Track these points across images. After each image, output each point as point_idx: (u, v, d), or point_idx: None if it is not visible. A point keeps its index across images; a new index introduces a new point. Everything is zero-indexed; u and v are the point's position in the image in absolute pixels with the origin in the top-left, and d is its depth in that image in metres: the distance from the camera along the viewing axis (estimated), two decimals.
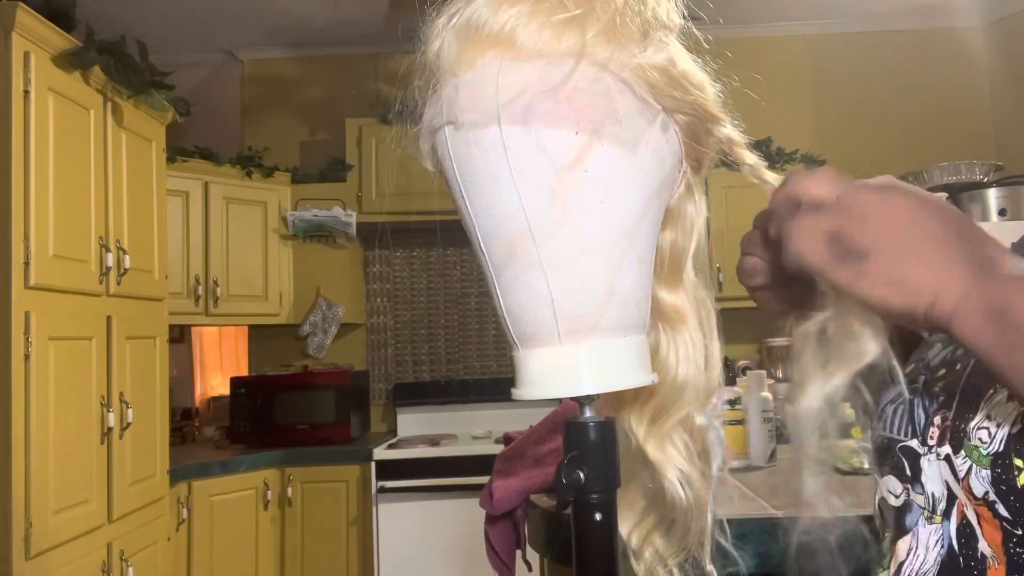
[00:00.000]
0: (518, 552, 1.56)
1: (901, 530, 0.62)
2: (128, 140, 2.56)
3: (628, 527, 0.61)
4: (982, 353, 0.43)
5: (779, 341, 3.62)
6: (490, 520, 1.56)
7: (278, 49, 4.02)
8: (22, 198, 2.04)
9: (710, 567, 0.59)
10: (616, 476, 0.54)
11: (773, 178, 0.55)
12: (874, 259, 0.44)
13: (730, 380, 1.62)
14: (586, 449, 0.53)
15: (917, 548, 0.60)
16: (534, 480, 1.45)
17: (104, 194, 2.42)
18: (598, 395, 0.53)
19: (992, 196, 3.04)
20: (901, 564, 0.61)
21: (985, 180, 3.17)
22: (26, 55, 2.07)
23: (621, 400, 0.59)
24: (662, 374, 0.57)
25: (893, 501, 0.63)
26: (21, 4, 2.04)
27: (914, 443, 0.61)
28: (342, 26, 3.77)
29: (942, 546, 0.58)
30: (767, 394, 1.64)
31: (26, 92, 2.06)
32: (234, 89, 4.08)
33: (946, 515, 0.58)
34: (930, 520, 0.59)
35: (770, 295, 0.56)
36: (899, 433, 0.63)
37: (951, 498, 0.57)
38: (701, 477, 0.58)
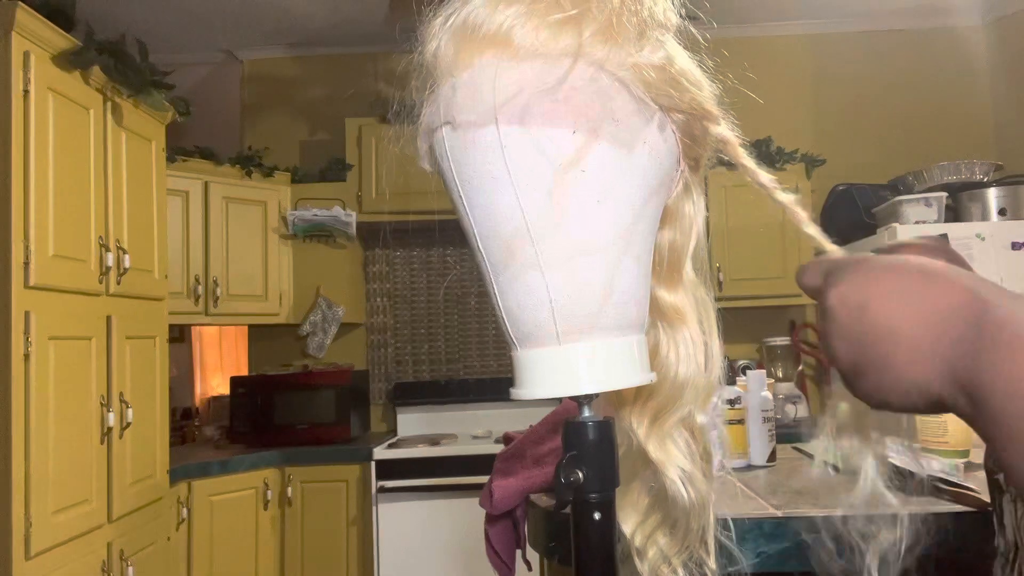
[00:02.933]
0: (518, 552, 1.56)
1: None
2: (128, 140, 2.56)
3: (631, 526, 0.60)
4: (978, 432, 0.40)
5: (779, 341, 3.62)
6: (490, 520, 1.56)
7: (278, 49, 4.02)
8: (22, 198, 2.04)
9: (714, 565, 0.59)
10: (615, 475, 0.54)
11: (768, 180, 0.54)
12: (866, 375, 0.43)
13: (730, 380, 1.61)
14: (585, 449, 0.53)
15: None
16: (534, 480, 1.45)
17: (104, 194, 2.42)
18: (597, 394, 0.53)
19: (992, 196, 3.04)
20: None
21: (985, 180, 3.17)
22: (26, 55, 2.07)
23: (621, 400, 0.59)
24: (662, 373, 0.57)
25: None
26: (21, 4, 2.03)
27: (1001, 477, 0.54)
28: (342, 26, 3.77)
29: None
30: (767, 394, 1.63)
31: (26, 92, 2.06)
32: (234, 89, 4.08)
33: (1017, 568, 0.49)
34: (1003, 569, 0.52)
35: None
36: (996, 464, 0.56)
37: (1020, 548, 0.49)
38: (703, 476, 0.58)
